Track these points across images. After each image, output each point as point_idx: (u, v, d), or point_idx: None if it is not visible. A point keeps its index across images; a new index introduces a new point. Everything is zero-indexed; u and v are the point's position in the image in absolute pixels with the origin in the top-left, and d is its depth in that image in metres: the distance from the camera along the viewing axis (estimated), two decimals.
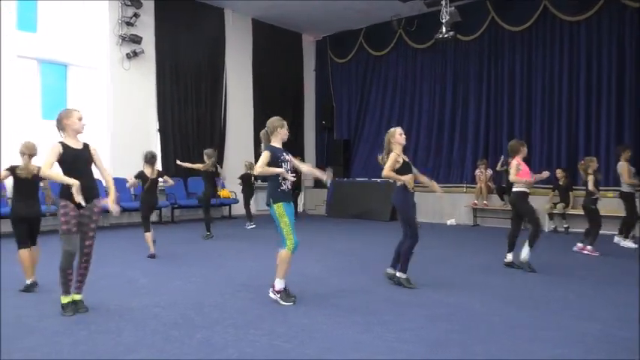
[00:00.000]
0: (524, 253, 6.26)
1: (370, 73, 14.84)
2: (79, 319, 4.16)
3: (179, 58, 12.24)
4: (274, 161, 4.69)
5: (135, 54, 11.24)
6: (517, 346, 3.68)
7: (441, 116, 13.36)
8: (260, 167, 4.64)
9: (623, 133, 10.58)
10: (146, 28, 11.59)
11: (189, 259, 7.11)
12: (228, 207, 13.00)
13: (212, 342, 3.68)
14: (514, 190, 6.51)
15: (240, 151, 12.93)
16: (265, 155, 4.66)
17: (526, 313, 4.50)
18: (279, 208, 4.67)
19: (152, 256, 7.02)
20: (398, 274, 5.48)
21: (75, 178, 4.09)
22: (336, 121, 15.61)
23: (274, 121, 4.84)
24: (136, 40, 11.21)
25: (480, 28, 12.40)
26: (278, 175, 4.68)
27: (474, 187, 11.85)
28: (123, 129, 11.06)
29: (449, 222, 11.94)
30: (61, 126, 4.31)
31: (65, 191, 4.19)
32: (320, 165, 15.61)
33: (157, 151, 11.84)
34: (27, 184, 5.01)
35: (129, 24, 11.18)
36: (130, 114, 11.36)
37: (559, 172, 10.46)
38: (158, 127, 11.92)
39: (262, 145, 4.87)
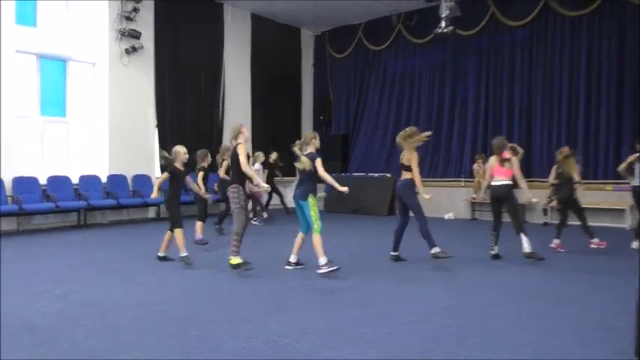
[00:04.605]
0: (527, 244, 6.33)
1: (369, 68, 14.79)
2: (77, 318, 4.17)
3: (178, 53, 12.20)
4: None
5: (134, 49, 11.20)
6: (513, 338, 3.71)
7: (440, 111, 13.33)
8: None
9: (622, 130, 10.58)
10: (145, 23, 11.53)
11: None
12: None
13: (208, 338, 3.71)
14: (505, 183, 6.56)
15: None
16: (321, 161, 5.80)
17: (523, 306, 4.54)
18: (314, 200, 5.74)
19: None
20: (432, 251, 6.06)
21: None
22: (334, 116, 15.56)
23: (310, 133, 6.10)
24: (135, 35, 11.17)
25: (479, 23, 12.35)
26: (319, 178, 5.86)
27: (472, 182, 11.87)
28: (121, 125, 11.05)
29: (447, 216, 11.95)
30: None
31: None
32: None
33: (155, 146, 11.82)
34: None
35: (128, 19, 11.13)
36: (129, 110, 11.32)
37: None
38: (157, 123, 11.88)
39: (298, 149, 5.95)
